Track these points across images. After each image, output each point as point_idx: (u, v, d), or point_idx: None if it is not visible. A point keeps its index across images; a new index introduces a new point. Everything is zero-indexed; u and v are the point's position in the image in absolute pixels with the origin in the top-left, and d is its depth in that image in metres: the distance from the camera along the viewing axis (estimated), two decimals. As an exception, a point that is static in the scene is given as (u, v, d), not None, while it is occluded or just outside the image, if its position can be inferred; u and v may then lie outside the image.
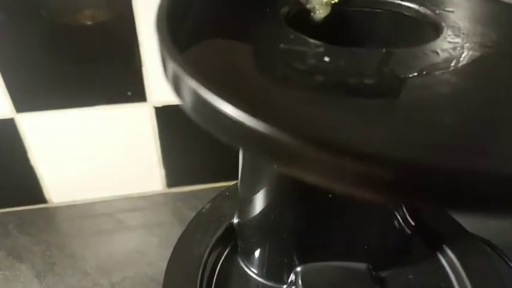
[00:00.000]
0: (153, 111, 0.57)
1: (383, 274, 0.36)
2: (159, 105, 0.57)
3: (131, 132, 0.59)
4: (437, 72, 0.23)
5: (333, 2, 0.29)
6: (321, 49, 0.24)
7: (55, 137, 0.58)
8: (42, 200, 0.63)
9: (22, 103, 0.54)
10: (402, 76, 0.22)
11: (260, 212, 0.34)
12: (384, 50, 0.25)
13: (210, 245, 0.36)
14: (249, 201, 0.35)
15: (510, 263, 0.40)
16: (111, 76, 0.54)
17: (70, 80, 0.53)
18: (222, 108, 0.18)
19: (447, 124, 0.19)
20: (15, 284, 0.54)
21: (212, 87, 0.18)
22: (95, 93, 0.55)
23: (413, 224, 0.34)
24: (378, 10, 0.31)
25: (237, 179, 0.64)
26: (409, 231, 0.35)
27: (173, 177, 0.65)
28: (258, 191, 0.33)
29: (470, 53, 0.25)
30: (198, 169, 0.65)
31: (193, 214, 0.62)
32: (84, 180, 0.63)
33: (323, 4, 0.29)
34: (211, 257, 0.37)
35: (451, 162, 0.15)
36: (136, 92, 0.55)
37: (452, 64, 0.24)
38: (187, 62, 0.20)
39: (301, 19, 0.29)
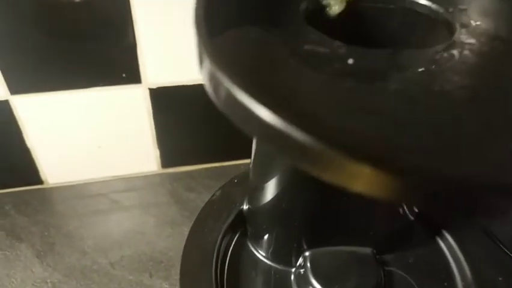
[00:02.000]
0: (147, 92, 0.59)
1: (387, 258, 0.40)
2: (154, 86, 0.59)
3: (126, 113, 0.61)
4: (458, 78, 0.26)
5: None
6: (343, 50, 0.27)
7: (50, 118, 0.59)
8: (38, 181, 0.66)
9: (16, 85, 0.55)
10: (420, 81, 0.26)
11: (271, 200, 0.37)
12: (400, 52, 0.28)
13: (222, 231, 0.40)
14: (260, 189, 0.38)
15: (505, 249, 0.44)
16: (105, 57, 0.55)
17: (64, 62, 0.55)
18: (260, 116, 0.21)
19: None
20: (16, 263, 0.57)
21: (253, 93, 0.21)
22: (90, 75, 0.57)
23: (415, 211, 0.38)
24: (392, 6, 0.33)
25: (231, 159, 0.67)
26: (411, 218, 0.38)
27: (168, 157, 0.68)
28: (270, 180, 0.36)
29: (483, 50, 0.28)
30: (192, 150, 0.68)
31: (188, 194, 0.66)
32: (79, 161, 0.65)
33: (338, 0, 0.32)
34: (223, 243, 0.40)
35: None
36: (130, 74, 0.57)
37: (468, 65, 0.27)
38: (223, 65, 0.22)
39: (318, 15, 0.32)
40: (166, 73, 0.58)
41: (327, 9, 0.32)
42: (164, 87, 0.59)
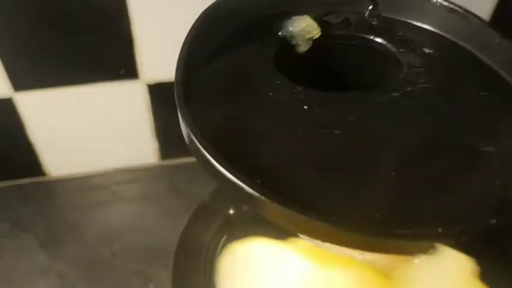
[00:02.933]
0: (146, 88, 0.62)
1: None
2: (152, 82, 0.62)
3: (125, 107, 0.64)
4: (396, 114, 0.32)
5: (313, 38, 0.37)
6: (302, 96, 0.32)
7: (52, 113, 0.63)
8: (41, 173, 0.69)
9: (18, 82, 0.58)
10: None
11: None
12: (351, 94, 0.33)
13: (210, 236, 0.45)
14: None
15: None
16: (103, 54, 0.58)
17: (63, 59, 0.58)
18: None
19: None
20: (21, 254, 0.61)
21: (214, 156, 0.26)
22: (89, 72, 0.60)
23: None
24: (354, 43, 0.38)
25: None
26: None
27: (168, 149, 0.71)
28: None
29: (417, 93, 0.33)
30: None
31: (188, 185, 0.70)
32: (80, 154, 0.69)
33: (305, 40, 0.37)
34: (211, 246, 0.46)
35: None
36: (128, 70, 0.60)
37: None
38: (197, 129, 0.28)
39: (288, 54, 0.37)
40: (164, 69, 0.61)
41: (296, 48, 0.37)
42: (162, 82, 0.62)
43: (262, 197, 0.24)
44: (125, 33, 0.57)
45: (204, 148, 0.26)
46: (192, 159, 0.71)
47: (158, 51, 0.59)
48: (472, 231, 0.23)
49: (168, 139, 0.70)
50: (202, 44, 0.34)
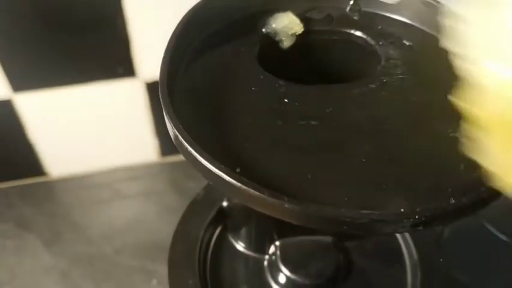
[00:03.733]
0: (144, 86, 0.64)
1: (346, 244, 0.49)
2: (150, 80, 0.64)
3: (124, 106, 0.66)
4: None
5: (296, 33, 0.40)
6: (283, 89, 0.35)
7: (51, 113, 0.64)
8: (42, 173, 0.71)
9: (17, 83, 0.60)
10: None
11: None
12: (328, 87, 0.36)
13: (204, 227, 0.48)
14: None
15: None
16: (101, 53, 0.60)
17: (61, 59, 0.60)
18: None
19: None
20: (25, 252, 0.63)
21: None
22: (87, 71, 0.61)
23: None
24: (335, 37, 0.41)
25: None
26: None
27: (167, 146, 0.73)
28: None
29: (395, 84, 0.36)
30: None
31: (187, 181, 0.72)
32: (81, 153, 0.71)
33: (288, 36, 0.40)
34: (206, 236, 0.49)
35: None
36: (126, 69, 0.62)
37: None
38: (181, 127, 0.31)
39: (272, 50, 0.40)
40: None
41: (280, 44, 0.40)
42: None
43: (240, 184, 0.27)
44: (122, 32, 0.58)
45: (187, 142, 0.29)
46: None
47: (156, 49, 0.59)
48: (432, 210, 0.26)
49: (167, 136, 0.69)
50: (188, 42, 0.37)
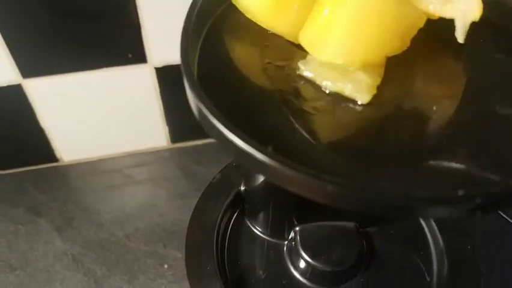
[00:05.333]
0: (154, 72, 0.63)
1: (369, 230, 0.45)
2: (159, 65, 0.62)
3: (134, 91, 0.65)
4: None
5: None
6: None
7: (62, 99, 0.64)
8: (54, 159, 0.71)
9: (27, 68, 0.59)
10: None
11: (264, 180, 0.43)
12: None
13: (222, 211, 0.46)
14: (253, 173, 0.43)
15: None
16: (111, 39, 0.58)
17: (71, 45, 0.58)
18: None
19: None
20: (37, 238, 0.63)
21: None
22: (97, 57, 0.60)
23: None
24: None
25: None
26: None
27: (177, 133, 0.72)
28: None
29: None
30: (200, 125, 0.72)
31: (197, 167, 0.71)
32: (92, 139, 0.70)
33: None
34: (223, 220, 0.46)
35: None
36: (136, 54, 0.60)
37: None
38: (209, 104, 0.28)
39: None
40: (172, 52, 0.61)
41: None
42: (170, 65, 0.63)
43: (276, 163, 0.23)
44: (132, 18, 0.57)
45: (214, 116, 0.26)
46: (201, 141, 0.73)
47: (165, 34, 0.60)
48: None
49: (177, 122, 0.71)
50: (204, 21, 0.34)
